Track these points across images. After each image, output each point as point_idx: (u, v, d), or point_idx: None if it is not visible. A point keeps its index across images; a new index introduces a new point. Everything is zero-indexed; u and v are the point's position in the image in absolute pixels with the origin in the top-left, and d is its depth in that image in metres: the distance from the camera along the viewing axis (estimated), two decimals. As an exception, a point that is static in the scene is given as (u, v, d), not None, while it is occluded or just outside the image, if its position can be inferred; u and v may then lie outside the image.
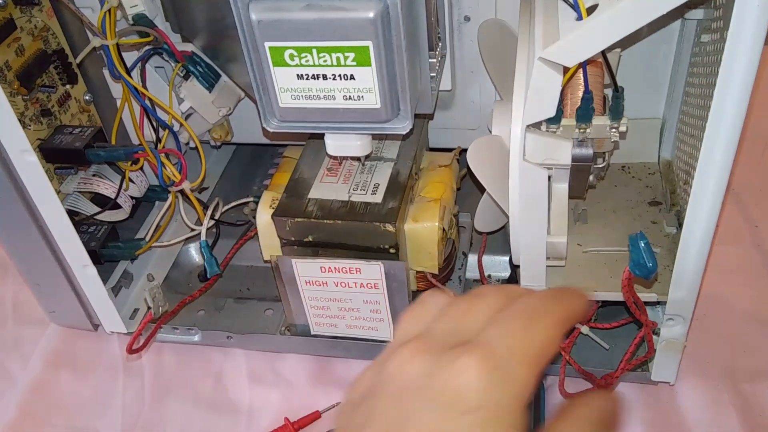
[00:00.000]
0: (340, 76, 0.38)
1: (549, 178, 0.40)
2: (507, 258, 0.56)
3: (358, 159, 0.49)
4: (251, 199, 0.61)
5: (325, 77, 0.38)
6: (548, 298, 0.27)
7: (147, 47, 0.49)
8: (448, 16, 0.48)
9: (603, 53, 0.34)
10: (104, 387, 0.54)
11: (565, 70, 0.34)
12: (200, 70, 0.51)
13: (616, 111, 0.37)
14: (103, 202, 0.53)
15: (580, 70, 0.36)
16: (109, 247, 0.52)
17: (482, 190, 0.47)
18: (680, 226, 0.47)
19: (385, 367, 0.26)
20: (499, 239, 0.56)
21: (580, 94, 0.40)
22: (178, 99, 0.52)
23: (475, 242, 0.58)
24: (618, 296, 0.45)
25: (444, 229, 0.48)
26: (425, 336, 0.27)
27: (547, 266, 0.43)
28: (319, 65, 0.37)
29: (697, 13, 0.45)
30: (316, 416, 0.50)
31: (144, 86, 0.49)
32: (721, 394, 0.48)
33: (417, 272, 0.51)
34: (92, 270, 0.50)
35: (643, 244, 0.35)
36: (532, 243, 0.41)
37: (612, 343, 0.50)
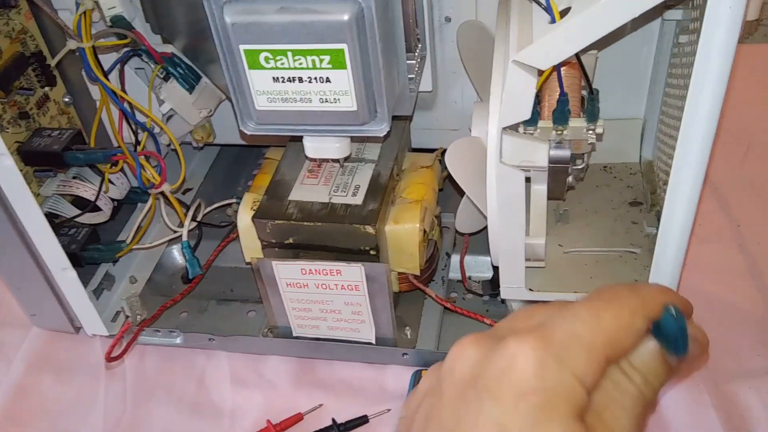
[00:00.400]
0: (315, 78, 0.38)
1: (527, 179, 0.40)
2: (489, 258, 0.56)
3: (337, 161, 0.49)
4: (234, 200, 0.61)
5: (300, 80, 0.38)
6: (624, 288, 0.26)
7: (125, 49, 0.49)
8: (428, 17, 0.48)
9: (577, 56, 0.34)
10: (86, 390, 0.54)
11: (540, 72, 0.34)
12: (180, 71, 0.51)
13: (591, 113, 0.37)
14: (84, 204, 0.52)
15: (554, 73, 0.36)
16: (90, 249, 0.52)
17: (461, 191, 0.47)
18: (660, 226, 0.48)
19: (443, 365, 0.26)
20: (481, 239, 0.56)
21: (556, 96, 0.40)
22: (159, 101, 0.51)
23: (459, 243, 0.58)
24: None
25: (425, 231, 0.48)
26: (483, 333, 0.26)
27: (526, 267, 0.43)
28: (295, 68, 0.37)
29: (676, 14, 0.45)
30: (298, 418, 0.50)
31: (123, 88, 0.49)
32: (703, 395, 0.48)
33: (399, 273, 0.51)
34: (72, 273, 0.50)
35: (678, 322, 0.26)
36: (510, 245, 0.41)
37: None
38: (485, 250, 0.57)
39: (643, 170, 0.52)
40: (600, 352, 0.24)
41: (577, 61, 0.36)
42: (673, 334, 0.25)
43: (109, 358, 0.50)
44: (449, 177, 0.54)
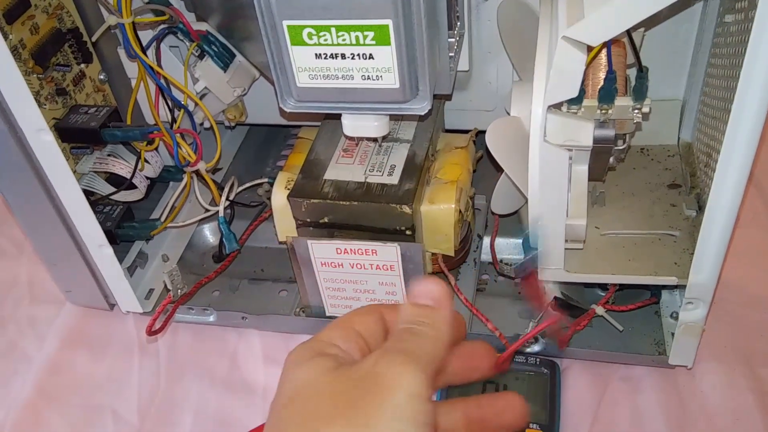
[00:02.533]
0: (358, 55, 0.37)
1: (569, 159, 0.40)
2: (521, 240, 0.56)
3: (374, 140, 0.49)
4: (265, 180, 0.61)
5: (343, 56, 0.37)
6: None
7: (162, 26, 0.49)
8: (466, -5, 0.47)
9: (628, 32, 0.34)
10: (120, 366, 0.55)
11: (589, 49, 0.34)
12: (215, 49, 0.51)
13: (639, 91, 0.36)
14: (117, 182, 0.52)
15: (604, 50, 0.36)
16: (125, 227, 0.52)
17: (500, 171, 0.47)
18: (700, 209, 0.47)
19: None
20: (512, 222, 0.56)
21: (602, 74, 0.40)
22: (193, 79, 0.51)
23: (490, 224, 0.58)
24: (635, 279, 0.44)
25: (460, 211, 0.48)
26: None
27: (565, 249, 0.43)
28: (338, 44, 0.37)
29: (722, -8, 0.44)
30: (330, 397, 0.50)
31: (159, 66, 0.49)
32: (738, 379, 0.48)
33: (432, 254, 0.51)
34: (108, 250, 0.50)
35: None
36: (551, 225, 0.41)
37: (628, 326, 0.49)
38: (515, 232, 0.57)
39: (682, 152, 0.52)
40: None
41: (627, 38, 0.36)
42: None
43: (150, 332, 0.51)
44: (485, 157, 0.54)
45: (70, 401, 0.53)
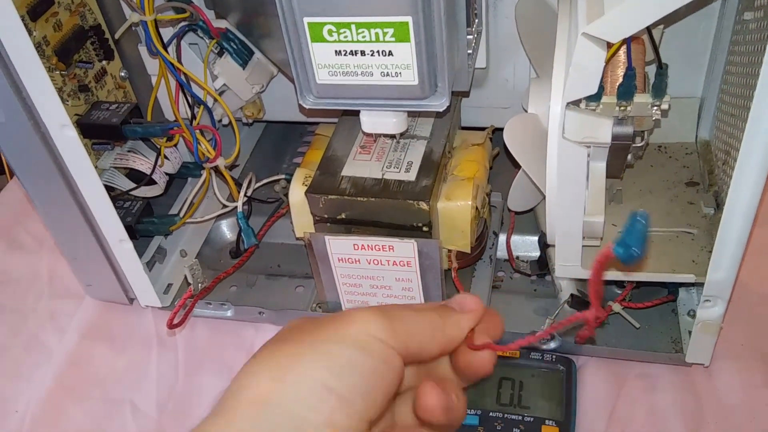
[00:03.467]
0: (378, 52, 0.38)
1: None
2: (536, 238, 0.56)
3: (392, 136, 0.49)
4: (282, 176, 0.61)
5: (363, 53, 0.38)
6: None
7: (182, 23, 0.49)
8: (484, -8, 0.47)
9: (648, 29, 0.34)
10: (139, 360, 0.55)
11: (609, 46, 0.34)
12: (234, 46, 0.51)
13: (659, 88, 0.36)
14: (137, 177, 0.53)
15: (623, 47, 0.36)
16: (144, 222, 0.53)
17: (517, 168, 0.47)
18: (718, 206, 0.47)
19: None
20: (527, 219, 0.56)
21: (620, 71, 0.40)
22: (212, 76, 0.52)
23: (506, 222, 0.58)
24: (652, 277, 0.44)
25: (477, 208, 0.48)
26: None
27: (582, 246, 0.43)
28: (358, 41, 0.37)
29: (741, -11, 0.44)
30: (346, 392, 0.51)
31: (179, 62, 0.49)
32: (756, 377, 0.48)
33: (448, 251, 0.51)
34: (129, 245, 0.51)
35: (641, 224, 0.28)
36: (568, 222, 0.41)
37: (644, 324, 0.49)
38: (531, 230, 0.57)
39: (700, 150, 0.51)
40: None
41: (647, 34, 0.36)
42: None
43: (171, 326, 0.51)
44: (503, 154, 0.54)
45: (90, 394, 0.54)
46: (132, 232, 0.52)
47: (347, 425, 0.24)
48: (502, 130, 0.51)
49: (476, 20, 0.46)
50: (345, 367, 0.25)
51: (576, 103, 0.38)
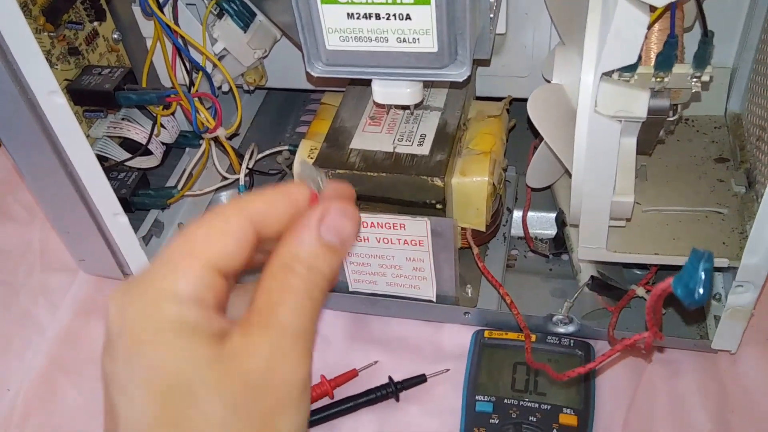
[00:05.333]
0: (395, 15, 0.34)
1: (618, 131, 0.37)
2: (553, 215, 0.53)
3: (405, 107, 0.46)
4: (285, 147, 0.58)
5: (378, 17, 0.35)
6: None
7: (179, -18, 0.46)
8: (505, -49, 0.44)
9: (697, -8, 0.30)
10: (135, 338, 0.53)
11: (652, 10, 0.31)
12: (234, 8, 0.48)
13: (702, 58, 0.33)
14: (132, 147, 0.50)
15: (667, 12, 0.33)
16: (140, 195, 0.50)
17: (537, 139, 0.44)
18: (750, 185, 0.44)
19: None
20: (542, 195, 0.54)
21: (655, 39, 0.37)
22: (212, 39, 0.49)
23: (520, 197, 0.56)
24: (680, 260, 0.42)
25: (494, 185, 0.45)
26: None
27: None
28: (373, 3, 0.34)
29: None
30: (353, 374, 0.49)
31: (176, 24, 0.46)
32: (781, 362, 0.46)
33: (462, 229, 0.48)
34: (124, 218, 0.48)
35: (704, 270, 0.26)
36: (596, 202, 0.38)
37: (668, 308, 0.47)
38: (546, 206, 0.54)
39: (730, 124, 0.49)
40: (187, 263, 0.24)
41: (695, -2, 0.32)
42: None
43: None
44: (515, 127, 0.51)
45: (84, 372, 0.52)
46: (127, 205, 0.49)
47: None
48: (519, 100, 0.48)
49: (498, -19, 0.43)
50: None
51: (609, 74, 0.35)
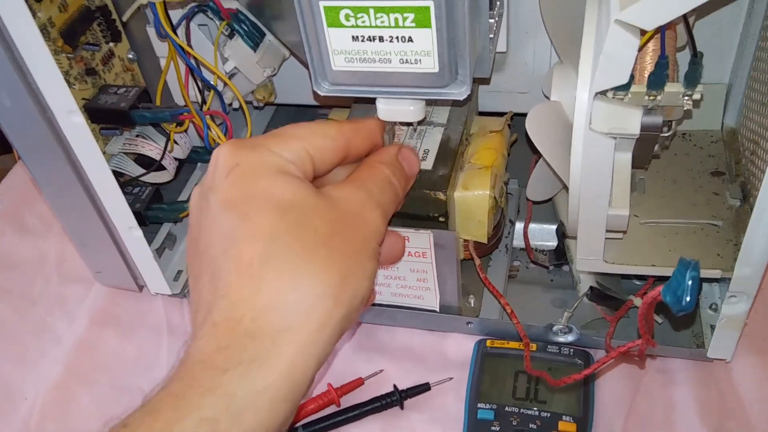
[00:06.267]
0: (397, 38, 0.36)
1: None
2: (554, 227, 0.54)
3: (408, 123, 0.47)
4: (293, 161, 0.60)
5: (381, 39, 0.36)
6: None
7: (192, 4, 0.47)
8: (505, -27, 0.45)
9: (685, 16, 0.32)
10: (149, 347, 0.55)
11: (642, 33, 0.32)
12: (245, 28, 0.49)
13: (692, 78, 0.35)
14: (146, 163, 0.52)
15: (657, 34, 0.34)
16: (154, 209, 0.52)
17: (536, 156, 0.46)
18: (745, 198, 0.45)
19: None
20: (544, 207, 0.55)
21: (649, 58, 0.38)
22: (223, 59, 0.50)
23: (522, 209, 0.57)
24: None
25: (495, 198, 0.47)
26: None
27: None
28: (376, 26, 0.36)
29: (776, -28, 0.42)
30: (359, 383, 0.50)
31: (189, 45, 0.48)
32: (777, 371, 0.47)
33: (464, 241, 0.50)
34: (138, 232, 0.50)
35: (691, 278, 0.28)
36: (592, 216, 0.40)
37: (665, 317, 0.48)
38: (548, 218, 0.56)
39: (726, 138, 0.50)
40: (295, 137, 0.32)
41: (684, 21, 0.34)
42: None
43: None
44: (516, 141, 0.53)
45: (100, 381, 0.53)
46: (141, 219, 0.51)
47: None
48: (520, 115, 0.50)
49: (498, 3, 0.44)
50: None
51: (603, 92, 0.36)
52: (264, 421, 0.27)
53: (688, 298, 0.27)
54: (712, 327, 0.45)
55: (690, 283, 0.27)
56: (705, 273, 0.42)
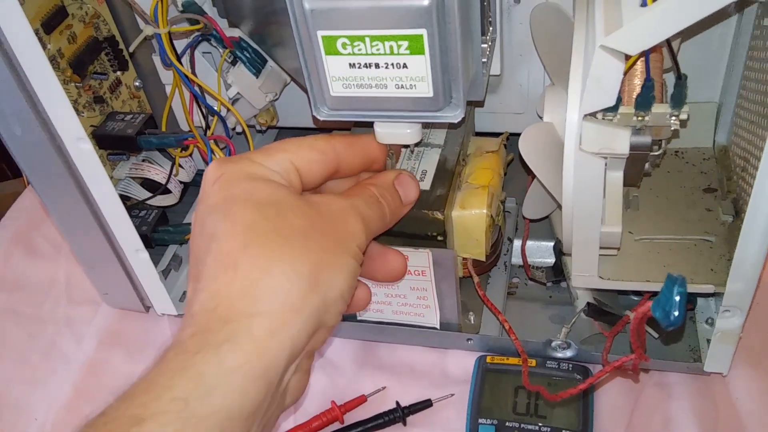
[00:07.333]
0: (392, 64, 0.37)
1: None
2: (551, 244, 0.55)
3: (406, 146, 0.49)
4: (296, 183, 0.61)
5: (377, 66, 0.38)
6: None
7: (196, 34, 0.49)
8: (498, -1, 0.47)
9: (668, 40, 0.33)
10: (155, 367, 0.55)
11: (627, 57, 0.33)
12: (247, 55, 0.51)
13: (678, 99, 0.36)
14: (152, 186, 0.53)
15: (641, 58, 0.35)
16: (160, 231, 0.53)
17: (531, 175, 0.47)
18: (737, 213, 0.46)
19: None
20: (542, 224, 0.56)
21: (637, 80, 0.39)
22: (226, 85, 0.52)
23: (520, 227, 0.58)
24: (670, 286, 0.44)
25: (492, 216, 0.48)
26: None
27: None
28: (372, 54, 0.37)
29: (761, -5, 0.43)
30: (361, 400, 0.51)
31: (193, 73, 0.50)
32: (774, 384, 0.47)
33: (463, 259, 0.51)
34: (144, 254, 0.51)
35: (678, 294, 0.29)
36: (585, 233, 0.41)
37: (662, 332, 0.49)
38: (546, 236, 0.57)
39: (717, 156, 0.51)
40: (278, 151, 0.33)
41: (667, 45, 0.35)
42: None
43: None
44: (517, 161, 0.54)
45: (106, 401, 0.53)
46: (147, 241, 0.52)
47: None
48: (516, 135, 0.51)
49: (490, 28, 0.46)
50: None
51: (593, 114, 0.37)
52: (235, 402, 0.27)
53: (676, 313, 0.28)
54: (709, 341, 0.46)
55: (678, 298, 0.28)
56: (699, 288, 0.42)
